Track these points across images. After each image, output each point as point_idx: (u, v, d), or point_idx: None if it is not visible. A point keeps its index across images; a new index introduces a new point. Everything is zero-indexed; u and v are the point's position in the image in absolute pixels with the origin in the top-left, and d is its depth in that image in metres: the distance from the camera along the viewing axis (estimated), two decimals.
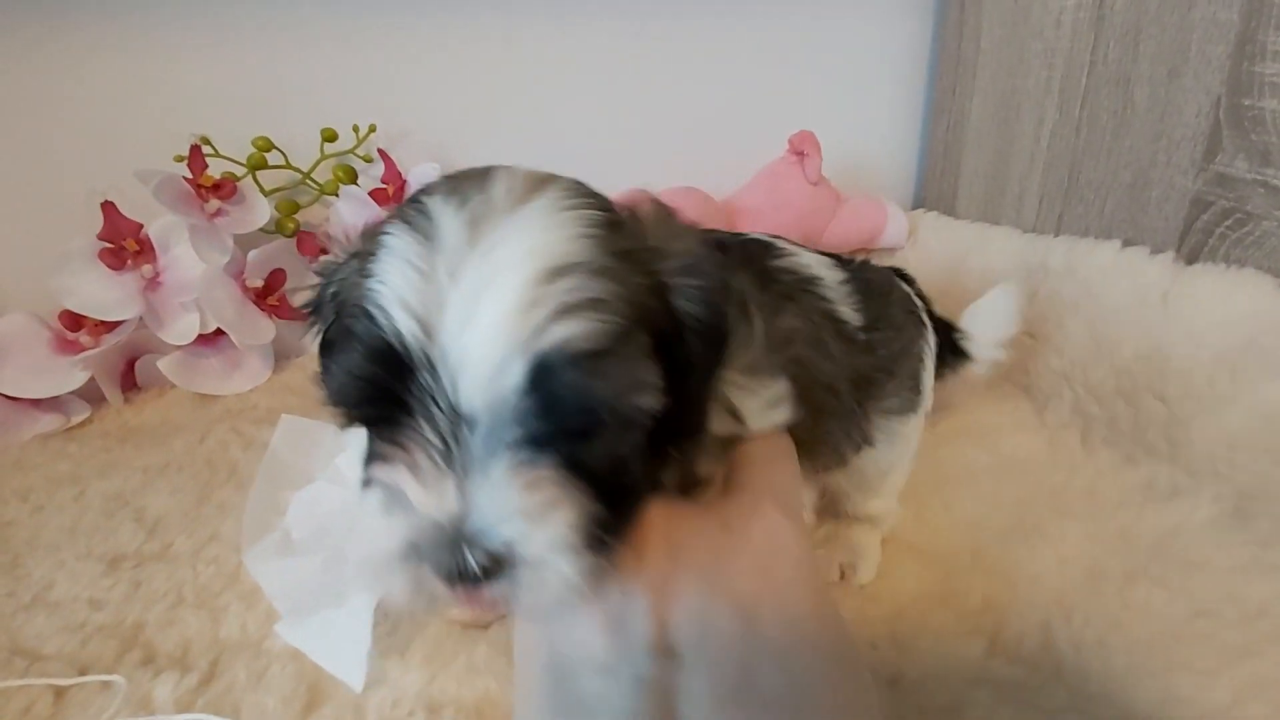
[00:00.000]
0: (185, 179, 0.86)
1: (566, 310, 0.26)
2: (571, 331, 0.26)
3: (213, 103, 0.92)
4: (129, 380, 0.95)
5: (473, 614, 0.49)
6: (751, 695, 0.25)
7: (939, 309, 0.70)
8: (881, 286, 0.57)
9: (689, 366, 0.31)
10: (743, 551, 0.28)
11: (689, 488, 0.35)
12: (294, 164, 0.93)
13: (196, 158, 0.86)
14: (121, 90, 0.90)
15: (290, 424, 0.66)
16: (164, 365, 0.89)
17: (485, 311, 0.26)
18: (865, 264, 0.59)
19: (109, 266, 0.87)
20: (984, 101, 0.98)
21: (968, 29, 0.99)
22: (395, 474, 0.27)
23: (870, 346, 0.50)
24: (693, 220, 0.35)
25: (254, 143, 0.90)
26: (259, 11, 0.91)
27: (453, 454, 0.26)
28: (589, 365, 0.26)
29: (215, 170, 0.89)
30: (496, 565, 0.26)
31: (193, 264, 0.90)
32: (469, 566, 0.25)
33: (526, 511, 0.26)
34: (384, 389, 0.27)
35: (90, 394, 0.90)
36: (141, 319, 0.89)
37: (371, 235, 0.31)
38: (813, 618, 0.27)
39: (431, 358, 0.26)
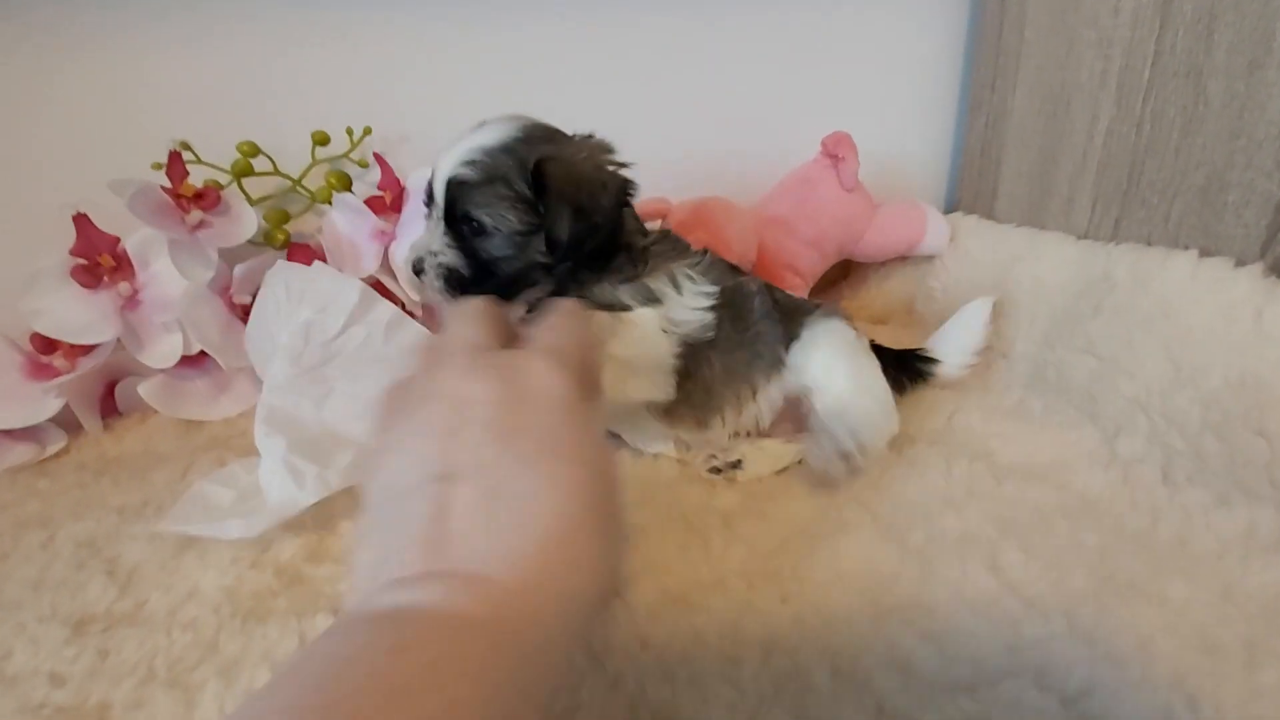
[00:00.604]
0: (164, 189, 0.79)
1: (463, 164, 0.59)
2: (459, 173, 0.59)
3: (193, 105, 0.85)
4: (109, 406, 0.89)
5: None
6: (502, 504, 0.32)
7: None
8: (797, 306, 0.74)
9: (547, 221, 0.58)
10: (517, 406, 0.35)
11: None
12: (283, 170, 0.86)
13: (176, 165, 0.79)
14: (93, 92, 0.83)
15: (283, 270, 0.76)
16: (144, 390, 0.82)
17: (446, 162, 0.60)
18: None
19: (82, 285, 0.80)
20: (1028, 96, 0.91)
21: (1009, 18, 0.92)
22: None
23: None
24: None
25: (239, 148, 0.82)
26: (242, 5, 0.83)
27: (432, 221, 0.63)
28: (461, 188, 0.59)
29: (197, 179, 0.82)
30: (420, 268, 0.61)
31: (174, 280, 0.83)
32: (419, 262, 0.61)
33: (436, 250, 0.61)
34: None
35: (68, 421, 0.83)
36: (120, 341, 0.82)
37: None
38: (568, 460, 0.34)
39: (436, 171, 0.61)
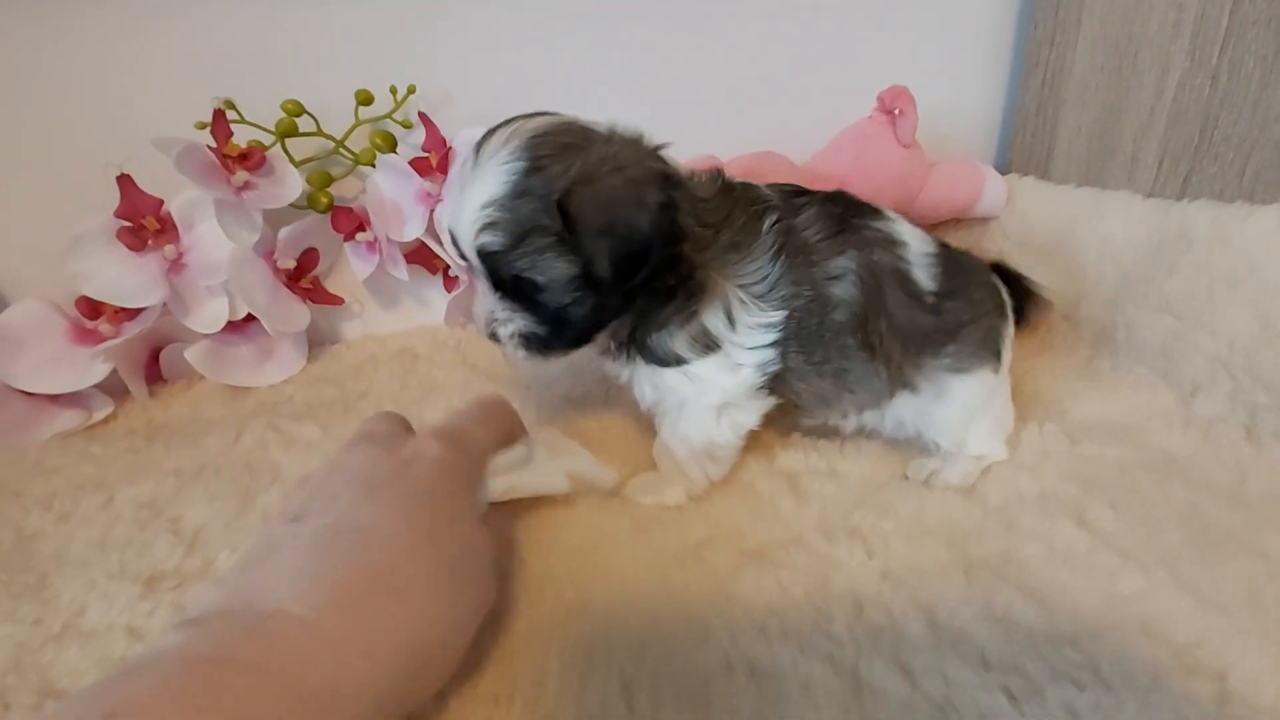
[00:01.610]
0: (209, 148, 0.78)
1: (484, 228, 0.49)
2: (484, 240, 0.50)
3: (234, 63, 0.82)
4: (153, 372, 0.88)
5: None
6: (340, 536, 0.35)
7: (1046, 281, 0.70)
8: (969, 268, 0.63)
9: (587, 262, 0.49)
10: (390, 465, 0.40)
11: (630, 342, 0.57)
12: (326, 131, 0.84)
13: (220, 124, 0.77)
14: (136, 51, 0.81)
15: None
16: (191, 355, 0.81)
17: (462, 224, 0.51)
18: (964, 251, 0.65)
19: (128, 247, 0.79)
20: (1090, 51, 0.88)
21: None
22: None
23: (937, 310, 0.58)
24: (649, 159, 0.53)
25: (283, 106, 0.80)
26: None
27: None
28: (496, 257, 0.50)
29: (241, 138, 0.80)
30: (494, 336, 0.55)
31: (219, 243, 0.81)
32: (489, 330, 0.56)
33: (502, 319, 0.54)
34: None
35: (113, 387, 0.82)
36: (165, 305, 0.81)
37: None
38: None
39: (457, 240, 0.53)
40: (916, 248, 0.59)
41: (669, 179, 0.52)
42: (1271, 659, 0.39)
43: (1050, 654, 0.41)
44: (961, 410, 0.59)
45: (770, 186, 0.60)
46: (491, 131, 0.52)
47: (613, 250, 0.48)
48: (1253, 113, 0.72)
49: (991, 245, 0.91)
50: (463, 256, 0.53)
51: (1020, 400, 0.70)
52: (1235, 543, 0.48)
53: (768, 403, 0.58)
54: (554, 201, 0.48)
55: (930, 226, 0.97)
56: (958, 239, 0.96)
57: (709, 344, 0.55)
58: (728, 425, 0.57)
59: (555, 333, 0.53)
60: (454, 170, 0.85)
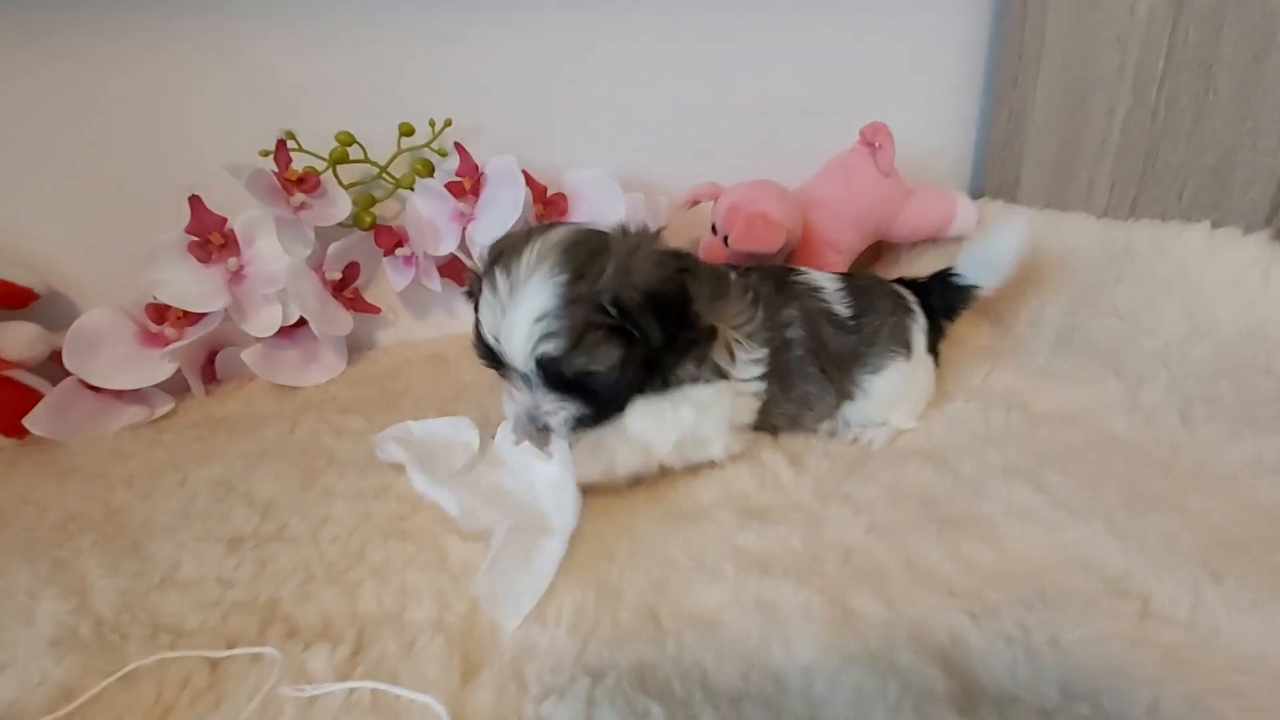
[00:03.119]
0: (272, 172, 0.88)
1: (542, 339, 0.57)
2: (544, 349, 0.57)
3: (293, 99, 0.93)
4: (208, 373, 0.97)
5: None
6: None
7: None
8: (871, 286, 0.77)
9: (642, 335, 0.58)
10: None
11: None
12: (372, 158, 0.94)
13: (282, 153, 0.88)
14: (203, 86, 0.91)
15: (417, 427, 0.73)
16: (247, 356, 0.90)
17: (514, 346, 0.58)
18: (862, 275, 0.81)
19: (197, 259, 0.88)
20: (1049, 91, 0.99)
21: (1031, 23, 1.00)
22: (511, 394, 0.63)
23: (857, 329, 0.72)
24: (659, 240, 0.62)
25: (337, 137, 0.91)
26: (338, 8, 0.92)
27: (527, 385, 0.61)
28: (557, 361, 0.57)
29: (297, 165, 0.90)
30: (545, 426, 0.61)
31: (274, 257, 0.91)
32: (538, 422, 0.61)
33: (551, 410, 0.61)
34: (494, 358, 0.61)
35: (172, 387, 0.91)
36: (226, 312, 0.90)
37: (484, 266, 0.62)
38: None
39: (504, 356, 0.60)
40: (830, 287, 0.74)
41: (676, 253, 0.63)
42: (1185, 585, 0.48)
43: (1011, 587, 0.50)
44: (883, 400, 0.73)
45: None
46: (510, 248, 0.59)
47: (661, 319, 0.57)
48: (1187, 143, 0.83)
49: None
50: (498, 363, 0.60)
51: (989, 393, 0.79)
52: (1163, 502, 0.57)
53: (747, 437, 0.70)
54: (604, 300, 0.56)
55: (910, 245, 1.08)
56: (934, 256, 1.07)
57: (719, 372, 0.65)
58: (719, 446, 0.66)
59: (604, 408, 0.62)
60: (486, 191, 0.95)
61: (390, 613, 0.53)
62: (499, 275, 0.58)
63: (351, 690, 0.46)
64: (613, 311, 0.56)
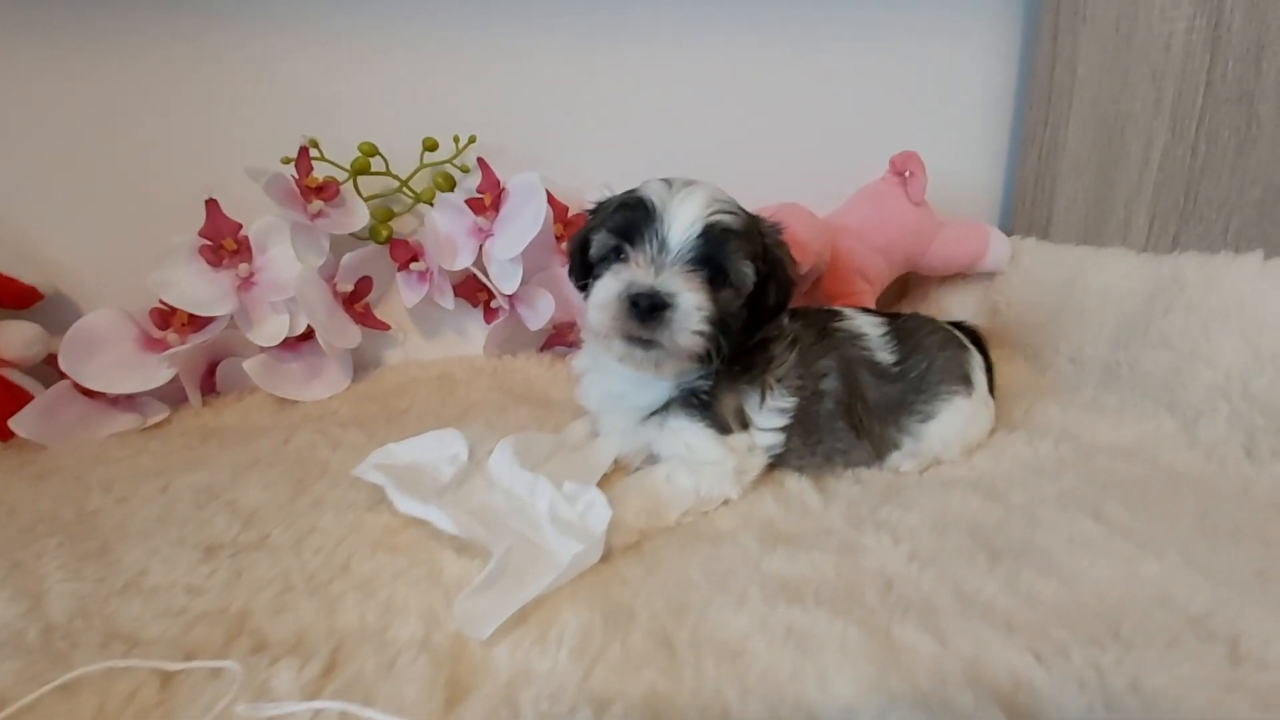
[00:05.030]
0: (292, 178, 0.87)
1: (720, 211, 0.57)
2: (721, 218, 0.57)
3: (317, 108, 0.93)
4: (208, 384, 0.93)
5: None
6: None
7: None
8: (917, 325, 0.73)
9: (768, 284, 0.60)
10: None
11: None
12: (393, 171, 0.93)
13: (304, 159, 0.87)
14: (228, 92, 0.91)
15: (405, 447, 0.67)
16: (249, 366, 0.87)
17: (686, 206, 0.57)
18: (910, 315, 0.75)
19: (208, 263, 0.86)
20: (1081, 128, 0.98)
21: (1061, 60, 1.00)
22: (625, 268, 0.57)
23: (902, 375, 0.68)
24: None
25: (360, 148, 0.90)
26: (368, 17, 0.93)
27: (654, 264, 0.56)
28: (723, 235, 0.56)
29: (319, 173, 0.89)
30: (661, 306, 0.54)
31: (286, 265, 0.89)
32: (655, 299, 0.54)
33: (684, 289, 0.55)
34: (629, 227, 0.58)
35: (168, 395, 0.88)
36: (231, 319, 0.88)
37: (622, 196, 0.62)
38: None
39: (660, 214, 0.57)
40: (874, 334, 0.69)
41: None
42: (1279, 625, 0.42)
43: (1073, 621, 0.44)
44: (938, 446, 0.68)
45: None
46: (658, 180, 0.59)
47: (779, 286, 0.60)
48: (1230, 177, 0.80)
49: (999, 297, 0.98)
50: (624, 232, 0.57)
51: (1033, 424, 0.74)
52: (1242, 534, 0.51)
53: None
54: (760, 230, 0.60)
55: (941, 279, 1.05)
56: (964, 292, 1.03)
57: (743, 421, 0.63)
58: (731, 484, 0.61)
59: (711, 322, 0.55)
60: (506, 207, 0.93)
61: (372, 629, 0.47)
62: (657, 187, 0.59)
63: (317, 712, 0.40)
64: (759, 245, 0.59)
